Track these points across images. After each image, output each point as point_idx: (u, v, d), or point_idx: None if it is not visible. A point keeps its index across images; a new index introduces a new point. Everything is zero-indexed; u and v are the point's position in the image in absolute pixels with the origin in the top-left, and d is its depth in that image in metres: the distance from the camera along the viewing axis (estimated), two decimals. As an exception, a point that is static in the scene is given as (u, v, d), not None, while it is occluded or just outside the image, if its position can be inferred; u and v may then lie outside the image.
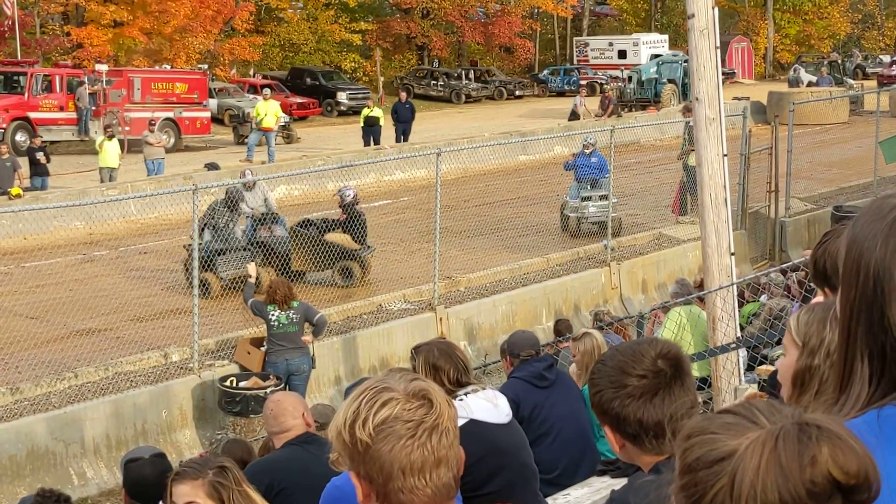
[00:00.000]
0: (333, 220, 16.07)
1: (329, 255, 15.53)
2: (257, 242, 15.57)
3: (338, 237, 15.70)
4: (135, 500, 4.45)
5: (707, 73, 7.72)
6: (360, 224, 15.83)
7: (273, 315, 11.44)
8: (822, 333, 2.54)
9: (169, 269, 16.31)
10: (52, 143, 28.98)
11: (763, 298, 11.80)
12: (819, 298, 3.19)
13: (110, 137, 24.38)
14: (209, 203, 15.74)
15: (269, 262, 15.09)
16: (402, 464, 1.87)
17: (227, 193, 15.55)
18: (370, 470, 1.90)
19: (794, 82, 45.06)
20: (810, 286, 9.24)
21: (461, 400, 3.89)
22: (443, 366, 4.08)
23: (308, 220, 16.26)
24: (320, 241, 15.54)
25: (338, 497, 3.32)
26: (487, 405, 3.75)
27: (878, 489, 1.29)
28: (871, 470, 1.28)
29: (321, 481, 3.53)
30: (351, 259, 15.83)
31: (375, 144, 29.68)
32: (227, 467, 3.62)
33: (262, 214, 16.09)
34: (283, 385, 11.22)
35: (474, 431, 3.71)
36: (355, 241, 15.81)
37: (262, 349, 11.78)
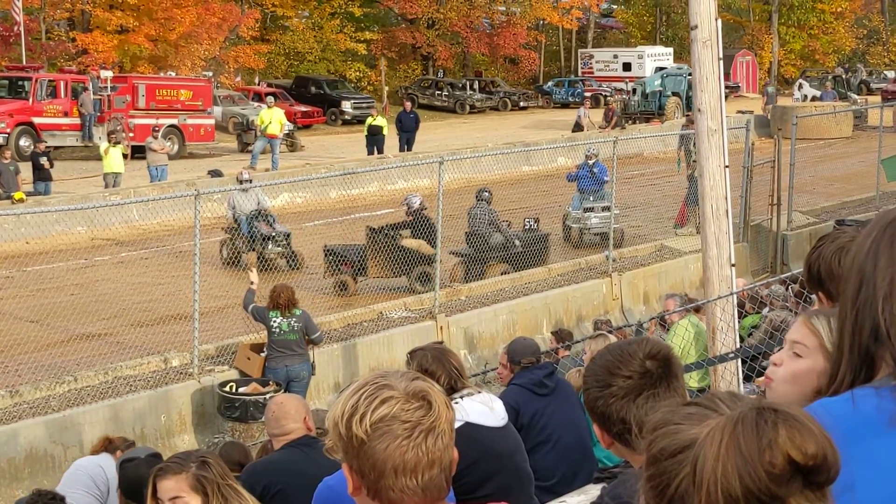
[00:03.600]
0: (399, 223, 15.95)
1: (406, 262, 15.50)
2: (262, 236, 15.73)
3: (413, 243, 15.59)
4: (130, 500, 4.45)
5: (710, 84, 7.73)
6: (429, 229, 15.44)
7: (275, 322, 11.45)
8: None
9: (170, 274, 16.32)
10: (56, 148, 29.01)
11: (765, 312, 11.80)
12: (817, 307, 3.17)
13: (115, 144, 24.43)
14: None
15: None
16: (396, 463, 1.87)
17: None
18: (363, 465, 1.90)
19: (772, 98, 42.74)
20: (809, 297, 9.24)
21: (457, 403, 3.87)
22: (435, 370, 4.05)
23: (371, 228, 16.13)
24: (397, 247, 15.44)
25: (330, 497, 3.31)
26: (483, 408, 3.75)
27: (836, 471, 1.30)
28: (830, 451, 1.29)
29: (318, 483, 3.51)
30: (428, 264, 15.40)
31: (379, 153, 29.72)
32: (209, 462, 3.59)
33: (255, 212, 16.28)
34: (282, 391, 11.21)
35: (469, 434, 3.70)
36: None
37: (262, 355, 11.79)
